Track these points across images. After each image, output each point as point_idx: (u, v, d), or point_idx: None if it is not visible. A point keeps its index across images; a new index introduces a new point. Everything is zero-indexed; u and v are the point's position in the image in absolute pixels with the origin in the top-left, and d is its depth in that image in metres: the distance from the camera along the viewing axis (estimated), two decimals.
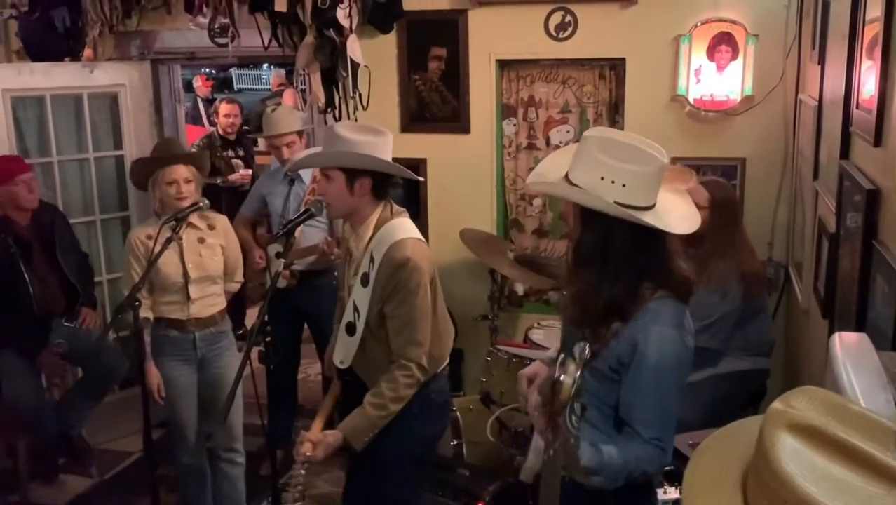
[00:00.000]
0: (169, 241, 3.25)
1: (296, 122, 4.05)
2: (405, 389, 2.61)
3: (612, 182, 1.92)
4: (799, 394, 0.94)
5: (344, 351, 2.76)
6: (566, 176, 2.01)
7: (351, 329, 2.72)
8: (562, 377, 1.65)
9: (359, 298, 2.68)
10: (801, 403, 0.91)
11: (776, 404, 0.92)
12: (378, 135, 2.63)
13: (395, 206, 2.72)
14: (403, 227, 2.66)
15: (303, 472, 2.60)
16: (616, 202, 1.91)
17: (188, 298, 3.44)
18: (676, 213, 2.06)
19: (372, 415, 2.60)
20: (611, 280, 1.97)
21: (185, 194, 3.39)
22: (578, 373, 1.64)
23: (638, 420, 1.98)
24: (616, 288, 1.97)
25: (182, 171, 3.40)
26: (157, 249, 3.23)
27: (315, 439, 2.63)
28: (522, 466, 2.18)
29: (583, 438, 1.93)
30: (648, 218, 1.94)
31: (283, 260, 3.12)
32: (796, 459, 0.85)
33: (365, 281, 2.65)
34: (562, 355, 1.73)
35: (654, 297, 1.98)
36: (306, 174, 4.03)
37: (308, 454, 2.59)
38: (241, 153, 6.24)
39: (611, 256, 1.97)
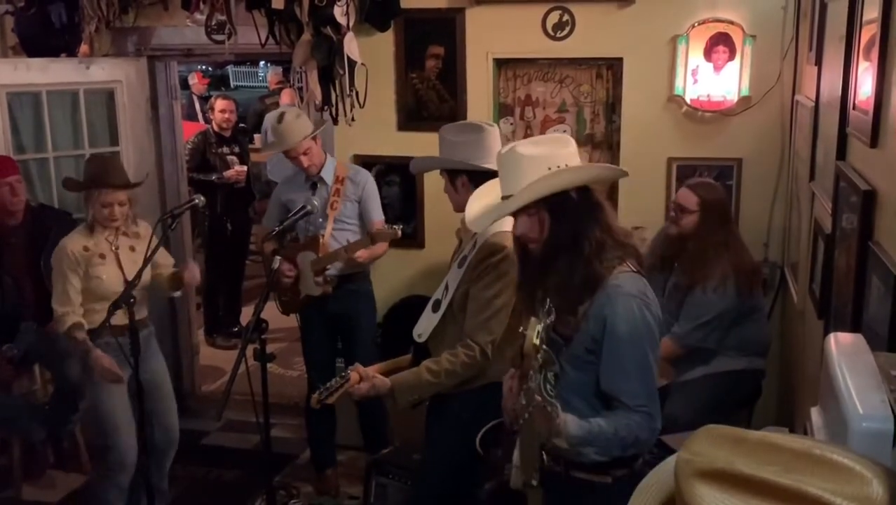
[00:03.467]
0: (164, 237, 3.31)
1: (304, 127, 3.81)
2: (463, 367, 2.70)
3: (559, 167, 2.07)
4: (700, 437, 0.95)
5: (424, 325, 2.88)
6: (505, 197, 2.14)
7: (436, 306, 2.87)
8: (523, 330, 1.71)
9: (452, 278, 2.84)
10: (703, 446, 0.93)
11: (682, 454, 0.93)
12: (475, 132, 2.83)
13: None
14: (511, 224, 2.78)
15: (337, 387, 2.73)
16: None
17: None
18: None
19: (424, 378, 2.70)
20: (585, 259, 2.06)
21: (117, 216, 3.42)
22: (541, 326, 1.70)
23: (622, 391, 2.04)
24: (592, 265, 2.06)
25: (118, 196, 3.41)
26: (153, 245, 3.27)
27: (365, 374, 2.75)
28: (511, 473, 2.18)
29: (567, 411, 1.98)
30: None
31: (279, 257, 3.13)
32: None
33: (462, 263, 2.81)
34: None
35: (615, 270, 2.08)
36: (328, 175, 3.93)
37: (352, 383, 2.73)
38: (237, 150, 6.22)
39: (583, 236, 2.07)
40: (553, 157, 2.07)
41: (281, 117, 3.83)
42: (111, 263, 3.43)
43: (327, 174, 3.93)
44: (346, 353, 4.08)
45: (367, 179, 3.99)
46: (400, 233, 3.70)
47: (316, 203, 3.75)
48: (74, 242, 3.41)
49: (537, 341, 1.73)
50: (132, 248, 3.48)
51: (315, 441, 4.29)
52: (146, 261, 3.26)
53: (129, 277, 3.40)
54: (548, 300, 1.86)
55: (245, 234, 6.55)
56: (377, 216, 3.97)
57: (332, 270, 3.89)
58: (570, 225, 2.07)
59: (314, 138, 3.86)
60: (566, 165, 2.09)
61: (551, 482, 2.16)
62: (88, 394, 3.34)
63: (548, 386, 1.76)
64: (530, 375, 1.79)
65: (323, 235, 3.89)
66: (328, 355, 4.08)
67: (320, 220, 3.91)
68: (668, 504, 1.00)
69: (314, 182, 3.95)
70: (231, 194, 6.11)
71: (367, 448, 4.21)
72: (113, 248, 3.44)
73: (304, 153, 3.82)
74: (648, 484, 1.05)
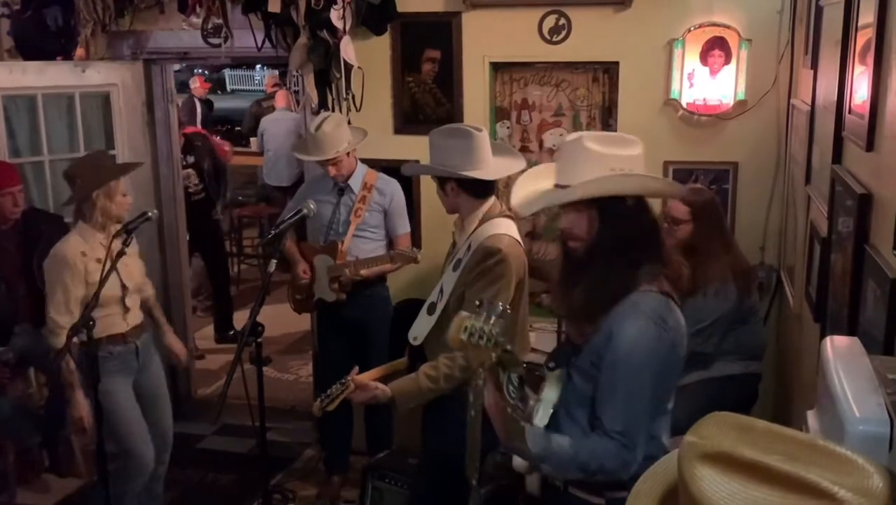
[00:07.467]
0: (120, 254, 3.20)
1: (341, 139, 3.74)
2: (461, 371, 2.69)
3: (622, 169, 1.99)
4: (708, 422, 0.97)
5: (420, 328, 2.88)
6: (559, 186, 2.05)
7: (431, 309, 2.86)
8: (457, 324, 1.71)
9: (447, 281, 2.84)
10: (710, 431, 0.94)
11: (688, 437, 0.95)
12: (463, 137, 2.81)
13: (505, 208, 2.87)
14: (506, 225, 2.82)
15: (338, 394, 2.77)
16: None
17: (126, 309, 3.42)
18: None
19: (423, 385, 2.71)
20: (621, 269, 1.97)
21: (127, 208, 3.42)
22: (470, 323, 1.68)
23: (604, 412, 1.93)
24: (625, 276, 1.97)
25: (123, 185, 3.42)
26: (107, 266, 3.18)
27: (362, 384, 2.75)
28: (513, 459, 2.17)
29: (537, 423, 1.96)
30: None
31: (275, 261, 3.12)
32: (716, 487, 0.87)
33: (457, 266, 2.81)
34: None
35: (640, 288, 1.97)
36: (356, 183, 3.89)
37: (352, 390, 2.75)
38: (191, 159, 5.97)
39: (627, 246, 1.98)
40: (617, 159, 1.99)
41: (320, 125, 3.74)
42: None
43: (355, 182, 3.90)
44: (360, 358, 3.92)
45: (396, 192, 3.96)
46: (419, 258, 3.66)
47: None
48: (72, 248, 3.30)
49: (464, 336, 1.69)
50: (123, 251, 3.39)
51: (326, 444, 4.30)
52: (102, 281, 3.15)
53: (126, 280, 3.37)
54: (486, 298, 1.82)
55: (215, 239, 6.41)
56: (402, 230, 3.97)
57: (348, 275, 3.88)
58: (617, 231, 1.97)
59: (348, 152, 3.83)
60: (630, 169, 2.01)
61: (550, 496, 2.13)
62: (102, 402, 3.24)
63: (510, 388, 1.74)
64: (479, 372, 1.79)
65: (342, 243, 3.87)
66: (342, 359, 3.92)
67: (342, 227, 3.90)
68: (672, 491, 1.01)
69: (341, 189, 3.92)
70: (192, 205, 5.81)
71: (369, 448, 4.18)
72: (107, 250, 3.34)
73: (334, 164, 3.79)
74: (656, 470, 1.07)
